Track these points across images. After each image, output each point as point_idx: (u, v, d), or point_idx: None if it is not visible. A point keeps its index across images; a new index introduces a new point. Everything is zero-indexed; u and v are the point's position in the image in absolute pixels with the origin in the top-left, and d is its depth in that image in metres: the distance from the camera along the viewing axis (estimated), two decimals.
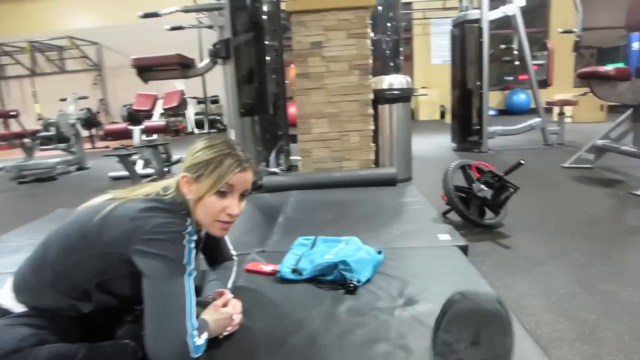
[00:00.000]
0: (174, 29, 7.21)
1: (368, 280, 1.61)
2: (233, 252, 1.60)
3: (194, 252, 1.16)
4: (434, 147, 6.89)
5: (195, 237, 1.19)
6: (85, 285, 1.17)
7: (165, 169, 5.00)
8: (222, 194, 1.21)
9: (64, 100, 7.48)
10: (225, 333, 1.25)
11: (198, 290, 1.46)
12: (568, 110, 6.97)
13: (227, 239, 1.60)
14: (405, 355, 1.16)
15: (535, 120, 6.46)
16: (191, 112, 11.86)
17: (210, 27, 5.76)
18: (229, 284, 1.49)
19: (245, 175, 1.25)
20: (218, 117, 11.94)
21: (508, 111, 12.13)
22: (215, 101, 12.13)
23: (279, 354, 1.20)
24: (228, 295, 1.34)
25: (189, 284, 1.10)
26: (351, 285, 1.53)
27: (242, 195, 1.27)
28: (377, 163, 4.20)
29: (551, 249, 2.40)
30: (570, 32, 6.63)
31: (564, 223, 2.86)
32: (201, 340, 1.08)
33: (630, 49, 10.32)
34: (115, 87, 13.04)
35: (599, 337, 1.52)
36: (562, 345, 1.48)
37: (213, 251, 1.55)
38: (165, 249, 1.10)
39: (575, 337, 1.52)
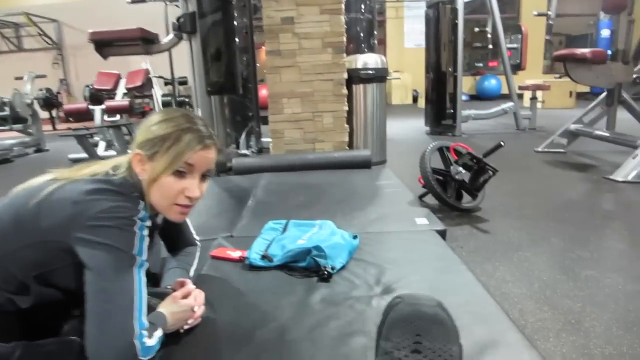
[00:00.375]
0: (134, 1, 6.86)
1: (343, 267, 1.50)
2: (196, 238, 1.47)
3: (146, 240, 1.02)
4: (408, 130, 6.84)
5: (148, 223, 1.05)
6: (22, 278, 1.01)
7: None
8: (180, 174, 1.07)
9: (19, 79, 7.09)
10: (186, 327, 1.13)
11: (157, 279, 1.33)
12: (539, 95, 7.03)
13: (189, 222, 1.46)
14: None
15: (508, 104, 6.48)
16: (158, 93, 11.45)
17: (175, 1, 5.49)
18: (191, 272, 1.36)
19: (207, 154, 1.11)
20: (187, 99, 11.57)
21: (479, 96, 12.23)
22: (183, 82, 11.73)
23: (245, 350, 1.08)
24: (189, 285, 1.21)
25: (140, 278, 0.97)
26: (325, 272, 1.42)
27: (204, 176, 1.13)
28: (351, 145, 4.10)
29: (530, 234, 2.36)
30: (545, 14, 6.63)
31: (541, 207, 2.83)
32: (152, 340, 0.95)
33: (598, 36, 10.51)
34: (77, 66, 12.49)
35: (585, 327, 1.46)
36: (549, 336, 1.42)
37: (173, 237, 1.42)
38: (112, 237, 0.96)
39: (561, 327, 1.46)
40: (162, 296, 1.17)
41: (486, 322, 1.18)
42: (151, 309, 1.09)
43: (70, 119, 6.64)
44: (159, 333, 0.98)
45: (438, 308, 0.69)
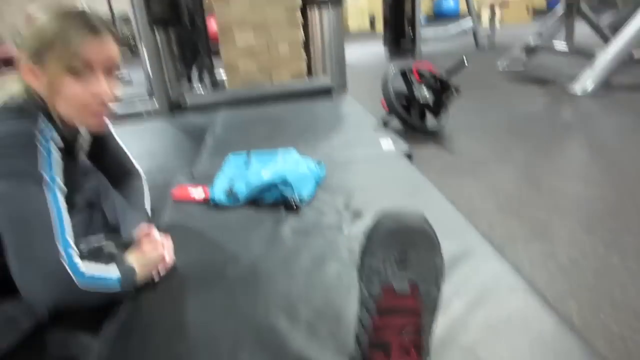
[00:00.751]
0: None
1: (311, 197, 1.47)
2: (136, 166, 1.41)
3: (56, 158, 0.93)
4: (367, 56, 6.70)
5: (58, 141, 0.95)
6: None
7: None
8: (79, 74, 0.94)
9: None
10: (157, 273, 1.09)
11: (115, 229, 1.26)
12: (497, 12, 6.95)
13: (125, 149, 1.39)
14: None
15: (467, 23, 6.39)
16: None
17: None
18: (148, 209, 1.30)
19: (102, 44, 0.97)
20: (132, 42, 10.85)
21: (436, 17, 12.03)
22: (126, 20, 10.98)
23: (218, 287, 1.05)
24: (155, 234, 1.16)
25: (55, 197, 0.88)
26: (293, 204, 1.39)
27: (110, 74, 1.00)
28: (310, 73, 3.97)
29: (494, 150, 2.39)
30: None
31: (504, 123, 2.86)
32: (96, 268, 0.92)
33: None
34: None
35: (551, 234, 1.51)
36: (517, 246, 1.46)
37: (110, 165, 1.34)
38: (12, 160, 0.86)
39: (528, 236, 1.51)
40: (126, 246, 1.13)
41: (457, 236, 1.19)
42: (118, 261, 1.04)
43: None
44: (113, 270, 0.94)
45: (423, 221, 0.68)
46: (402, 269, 0.64)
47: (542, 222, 1.61)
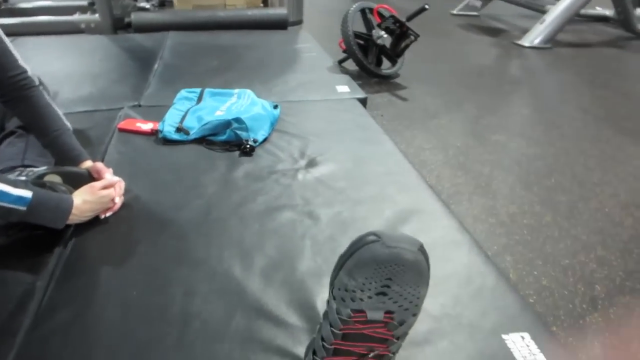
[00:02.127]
0: None
1: (265, 140, 1.45)
2: (23, 64, 1.11)
3: None
4: None
5: None
6: None
7: None
8: None
9: None
10: (105, 215, 1.07)
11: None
12: None
13: (10, 48, 1.08)
14: (313, 223, 1.07)
15: None
16: None
17: None
18: (69, 126, 1.16)
19: None
20: None
21: None
22: None
23: (169, 230, 1.04)
24: (109, 175, 1.10)
25: None
26: (247, 146, 1.36)
27: None
28: (265, 3, 3.77)
29: (445, 101, 2.43)
30: None
31: (456, 73, 2.90)
32: None
33: None
34: None
35: (493, 190, 1.59)
36: (462, 200, 1.53)
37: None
38: None
39: (473, 191, 1.58)
40: (75, 176, 1.07)
41: (408, 191, 1.23)
42: (57, 190, 1.00)
43: None
44: (23, 190, 0.90)
45: (419, 253, 0.59)
46: (381, 301, 0.57)
47: (486, 177, 1.70)
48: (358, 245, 0.59)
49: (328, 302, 0.63)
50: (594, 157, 1.92)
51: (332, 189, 1.21)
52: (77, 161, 1.13)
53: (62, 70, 2.09)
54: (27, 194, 0.90)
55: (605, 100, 2.65)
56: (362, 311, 0.58)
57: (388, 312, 0.58)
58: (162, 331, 0.79)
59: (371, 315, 0.57)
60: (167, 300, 0.84)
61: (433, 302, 0.82)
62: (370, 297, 0.58)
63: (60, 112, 1.16)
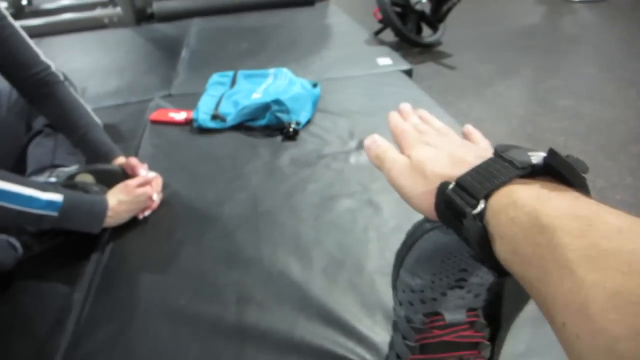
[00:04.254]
0: None
1: (309, 121, 1.34)
2: (44, 59, 1.03)
3: None
4: None
5: None
6: None
7: None
8: None
9: None
10: (144, 214, 0.99)
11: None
12: None
13: (31, 44, 1.01)
14: (374, 212, 0.95)
15: None
16: None
17: None
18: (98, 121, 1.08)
19: None
20: None
21: None
22: None
23: (213, 230, 0.94)
24: (143, 171, 1.02)
25: None
26: (290, 129, 1.25)
27: None
28: None
29: (498, 66, 2.24)
30: None
31: (504, 36, 2.69)
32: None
33: None
34: None
35: None
36: None
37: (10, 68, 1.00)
38: None
39: None
40: (108, 174, 1.00)
41: None
42: (90, 191, 0.92)
43: None
44: (53, 193, 0.83)
45: None
46: (459, 297, 0.45)
47: (561, 148, 1.52)
48: (414, 236, 0.45)
49: (394, 309, 0.50)
50: None
51: None
52: (108, 158, 1.05)
53: (87, 66, 2.03)
54: (57, 197, 0.83)
55: None
56: (438, 314, 0.45)
57: (470, 310, 0.45)
58: (217, 346, 0.69)
59: (450, 317, 0.45)
60: (219, 310, 0.75)
61: None
62: (444, 294, 0.45)
63: (88, 107, 1.08)
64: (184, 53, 2.09)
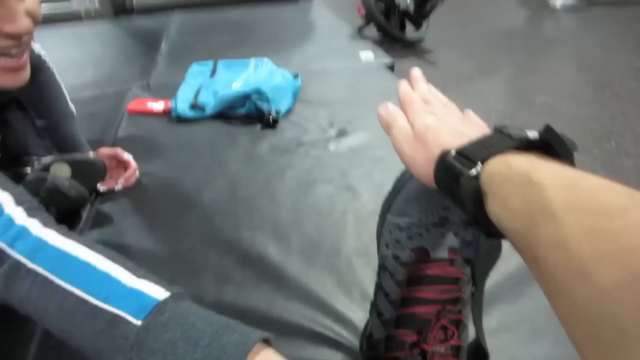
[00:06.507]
0: None
1: (289, 111, 1.35)
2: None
3: None
4: None
5: None
6: None
7: None
8: None
9: None
10: (120, 185, 1.00)
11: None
12: None
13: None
14: (352, 197, 0.97)
15: None
16: None
17: None
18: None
19: None
20: None
21: None
22: None
23: (193, 212, 0.95)
24: (121, 153, 1.03)
25: None
26: (270, 117, 1.26)
27: None
28: None
29: (479, 64, 2.29)
30: None
31: (486, 36, 2.75)
32: None
33: None
34: None
35: None
36: None
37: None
38: None
39: None
40: (88, 167, 0.98)
41: None
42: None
43: None
44: None
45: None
46: (440, 234, 0.50)
47: None
48: (404, 179, 0.53)
49: (382, 256, 0.54)
50: None
51: (370, 159, 1.11)
52: (79, 151, 1.04)
53: (63, 58, 2.00)
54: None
55: None
56: (423, 249, 0.50)
57: (451, 248, 0.50)
58: None
59: (434, 254, 0.50)
60: (197, 290, 0.75)
61: None
62: (428, 231, 0.50)
63: (66, 92, 1.07)
64: (164, 45, 2.09)
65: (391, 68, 1.79)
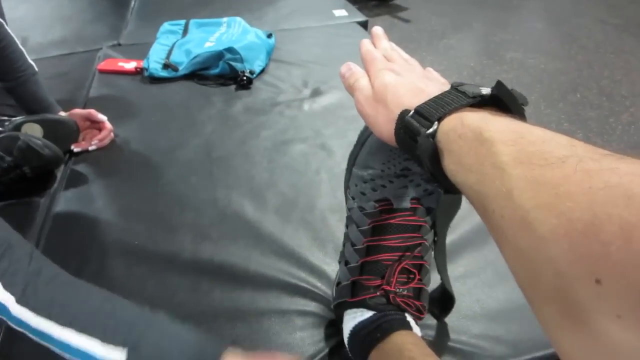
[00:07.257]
0: None
1: (262, 71, 1.34)
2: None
3: None
4: None
5: None
6: None
7: None
8: None
9: None
10: (94, 145, 1.00)
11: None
12: None
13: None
14: (327, 155, 0.99)
15: None
16: None
17: None
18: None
19: None
20: None
21: None
22: None
23: (167, 175, 0.96)
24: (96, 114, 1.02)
25: None
26: (244, 78, 1.26)
27: None
28: None
29: (452, 20, 2.29)
30: None
31: None
32: None
33: None
34: None
35: None
36: None
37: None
38: None
39: None
40: (60, 127, 0.98)
41: None
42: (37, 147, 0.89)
43: None
44: None
45: None
46: (403, 185, 0.52)
47: None
48: (367, 132, 0.54)
49: (349, 208, 0.57)
50: (620, 69, 1.81)
51: (344, 118, 1.12)
52: (49, 112, 1.02)
53: (27, 14, 1.93)
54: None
55: (624, 8, 2.50)
56: (386, 199, 0.53)
57: (413, 198, 0.53)
58: (173, 282, 0.72)
59: (397, 204, 0.53)
60: (174, 248, 0.77)
61: None
62: (391, 182, 0.52)
63: (23, 50, 1.03)
64: (133, 2, 2.02)
65: (364, 26, 1.78)
